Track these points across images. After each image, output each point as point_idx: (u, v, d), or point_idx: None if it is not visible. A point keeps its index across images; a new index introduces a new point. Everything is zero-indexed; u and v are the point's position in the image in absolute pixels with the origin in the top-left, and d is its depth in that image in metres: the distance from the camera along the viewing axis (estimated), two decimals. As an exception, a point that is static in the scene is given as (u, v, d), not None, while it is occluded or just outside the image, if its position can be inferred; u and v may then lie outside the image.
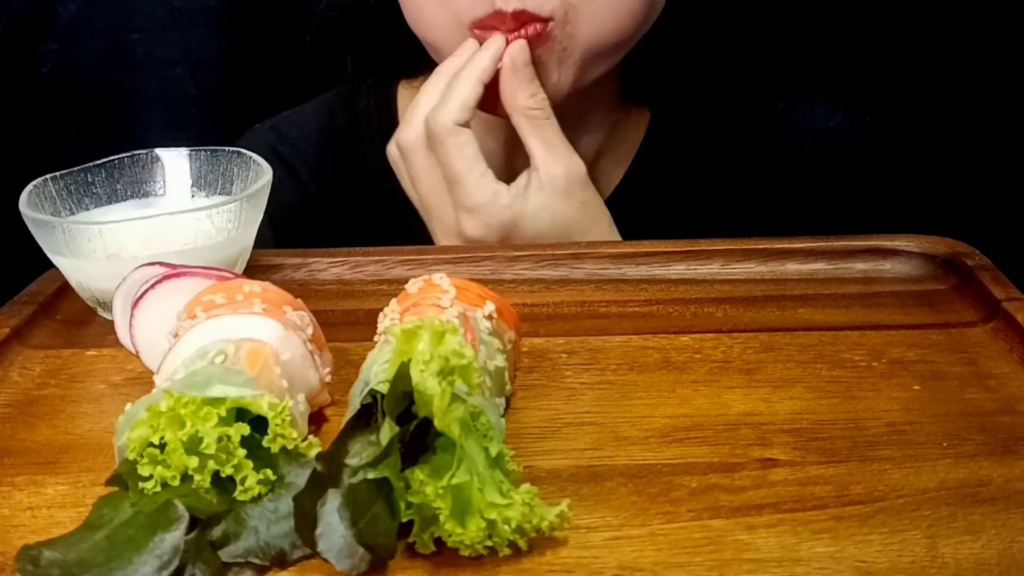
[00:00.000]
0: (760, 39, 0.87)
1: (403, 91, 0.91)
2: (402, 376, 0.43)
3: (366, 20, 0.86)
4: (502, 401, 0.52)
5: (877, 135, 0.90)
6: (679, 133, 0.88)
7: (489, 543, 0.42)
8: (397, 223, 0.83)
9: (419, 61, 0.82)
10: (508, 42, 0.73)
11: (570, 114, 0.81)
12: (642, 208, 0.86)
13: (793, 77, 0.91)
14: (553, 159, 0.74)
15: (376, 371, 0.47)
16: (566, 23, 0.73)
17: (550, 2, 0.71)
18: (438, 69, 0.75)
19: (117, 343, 0.59)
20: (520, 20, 0.71)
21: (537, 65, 0.74)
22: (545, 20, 0.72)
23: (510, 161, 0.85)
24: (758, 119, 0.89)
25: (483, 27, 0.72)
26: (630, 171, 0.88)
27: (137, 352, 0.58)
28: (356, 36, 0.88)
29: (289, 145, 0.89)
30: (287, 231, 0.76)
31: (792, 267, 0.72)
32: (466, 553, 0.42)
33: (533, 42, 0.73)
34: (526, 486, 0.43)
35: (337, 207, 0.90)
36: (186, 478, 0.43)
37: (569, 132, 0.83)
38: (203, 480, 0.43)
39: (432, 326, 0.45)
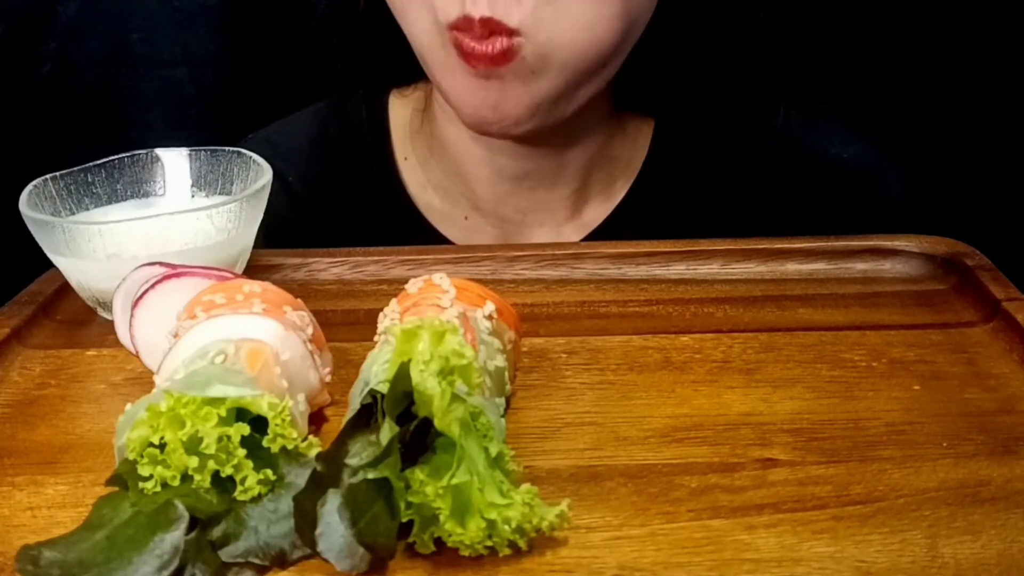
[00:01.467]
0: (759, 45, 0.87)
1: (395, 101, 0.90)
2: (402, 376, 0.43)
3: (358, 28, 0.85)
4: (502, 401, 0.52)
5: (890, 168, 0.90)
6: (687, 147, 0.87)
7: (489, 543, 0.42)
8: (391, 235, 0.82)
9: (411, 70, 0.82)
10: (474, 55, 0.71)
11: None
12: (648, 224, 0.85)
13: (797, 85, 0.90)
14: None
15: (376, 371, 0.47)
16: (537, 36, 0.71)
17: (519, 12, 0.70)
18: None
19: (117, 343, 0.59)
20: (487, 28, 0.70)
21: (504, 86, 0.72)
22: (511, 32, 0.70)
23: (507, 164, 0.84)
24: (769, 137, 0.87)
25: (457, 29, 0.71)
26: (635, 185, 0.87)
27: (137, 352, 0.58)
28: (348, 44, 0.87)
29: (281, 157, 0.88)
30: (281, 243, 0.76)
31: (792, 267, 0.72)
32: (466, 553, 0.42)
33: (498, 61, 0.71)
34: (526, 486, 0.43)
35: (330, 219, 0.90)
36: (186, 478, 0.43)
37: (555, 142, 0.83)
38: (203, 480, 0.43)
39: (432, 326, 0.45)
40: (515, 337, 0.56)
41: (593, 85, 0.76)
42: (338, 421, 0.51)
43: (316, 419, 0.53)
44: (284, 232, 0.78)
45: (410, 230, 0.87)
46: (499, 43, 0.70)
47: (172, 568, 0.41)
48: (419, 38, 0.76)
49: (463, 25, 0.70)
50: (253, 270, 0.71)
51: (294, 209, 0.89)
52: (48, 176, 0.69)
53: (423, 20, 0.73)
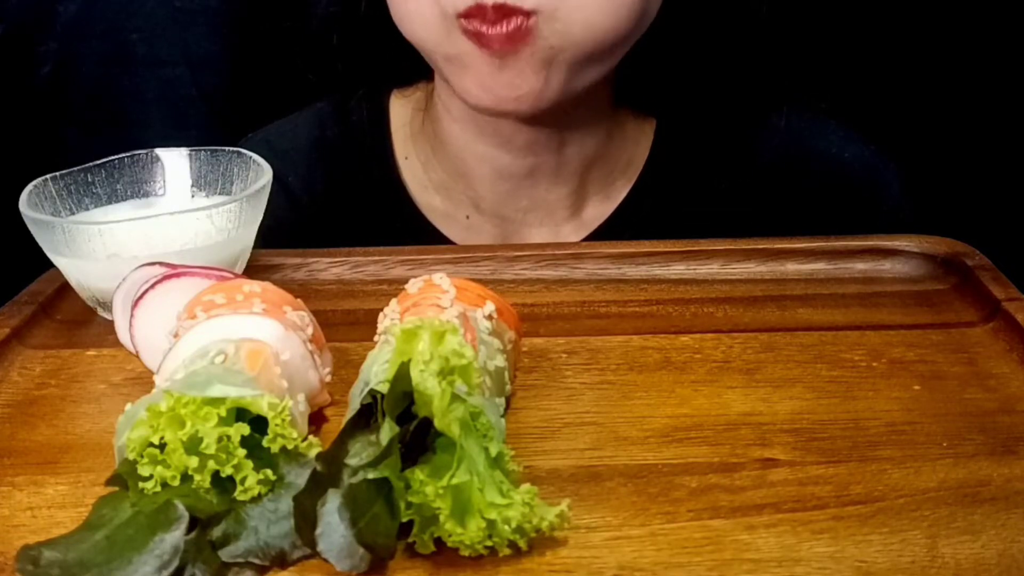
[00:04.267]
0: (760, 45, 0.87)
1: (396, 101, 0.90)
2: (402, 376, 0.43)
3: (358, 28, 0.85)
4: (502, 401, 0.52)
5: (889, 169, 0.90)
6: (688, 148, 0.87)
7: (489, 543, 0.42)
8: (392, 235, 0.82)
9: (412, 70, 0.82)
10: (488, 36, 0.70)
11: (554, 116, 0.80)
12: (649, 224, 0.85)
13: (798, 87, 0.90)
14: None
15: (376, 371, 0.47)
16: (554, 19, 0.70)
17: None
18: None
19: (117, 343, 0.59)
20: (501, 12, 0.69)
21: (521, 64, 0.72)
22: (527, 13, 0.70)
23: (511, 161, 0.84)
24: (769, 139, 0.88)
25: (468, 18, 0.71)
26: (636, 186, 0.87)
27: (137, 352, 0.58)
28: (348, 44, 0.87)
29: (280, 158, 0.88)
30: (280, 245, 0.76)
31: (792, 267, 0.72)
32: (466, 553, 0.42)
33: (515, 38, 0.70)
34: (526, 486, 0.43)
35: (330, 219, 0.90)
36: (186, 478, 0.43)
37: (555, 139, 0.83)
38: (203, 480, 0.43)
39: (432, 326, 0.45)
40: (515, 337, 0.56)
41: (603, 66, 0.76)
42: (338, 421, 0.51)
43: (316, 419, 0.53)
44: (283, 233, 0.78)
45: (410, 230, 0.87)
46: (515, 22, 0.70)
47: (172, 568, 0.41)
48: (422, 32, 0.75)
49: (475, 12, 0.70)
50: (253, 270, 0.71)
51: (293, 210, 0.89)
52: (48, 176, 0.69)
53: (426, 14, 0.73)
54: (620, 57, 0.77)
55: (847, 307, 0.66)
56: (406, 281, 0.55)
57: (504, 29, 0.70)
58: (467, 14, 0.70)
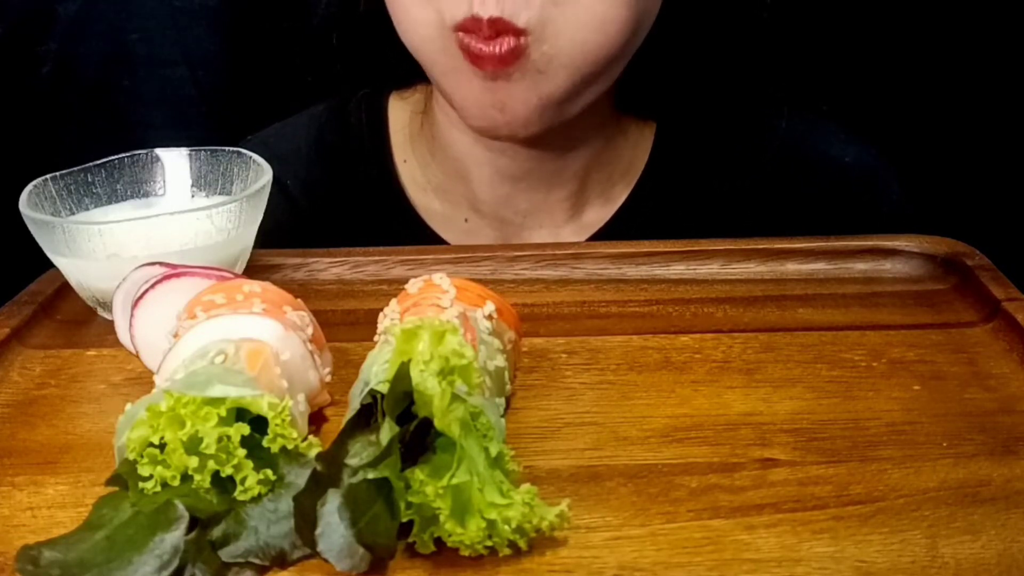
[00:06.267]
0: (760, 48, 0.87)
1: (394, 103, 0.90)
2: (402, 376, 0.43)
3: (357, 30, 0.85)
4: (502, 401, 0.52)
5: (890, 170, 0.90)
6: (688, 151, 0.87)
7: (489, 543, 0.42)
8: (390, 238, 0.82)
9: (411, 72, 0.82)
10: (482, 57, 0.71)
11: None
12: (649, 227, 0.85)
13: (798, 89, 0.90)
14: None
15: (376, 371, 0.48)
16: (543, 41, 0.71)
17: (527, 12, 0.70)
18: None
19: (117, 343, 0.59)
20: (495, 28, 0.70)
21: (511, 84, 0.72)
22: (519, 32, 0.70)
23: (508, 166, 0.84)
24: (770, 141, 0.88)
25: (464, 31, 0.72)
26: (636, 189, 0.87)
27: (137, 352, 0.58)
28: (347, 44, 0.87)
29: (279, 160, 0.88)
30: (279, 247, 0.76)
31: (792, 267, 0.72)
32: (466, 553, 0.42)
33: (507, 60, 0.71)
34: (526, 486, 0.43)
35: (329, 222, 0.90)
36: (186, 478, 0.43)
37: (556, 143, 0.83)
38: (203, 480, 0.44)
39: (432, 326, 0.45)
40: (515, 337, 0.56)
41: (599, 86, 0.76)
42: (338, 421, 0.51)
43: (316, 419, 0.53)
44: (282, 236, 0.78)
45: (409, 233, 0.87)
46: (506, 43, 0.71)
47: (172, 568, 0.41)
48: (421, 43, 0.76)
49: (470, 26, 0.70)
50: (253, 270, 0.71)
51: (292, 213, 0.89)
52: (48, 176, 0.69)
53: (426, 24, 0.73)
54: (615, 77, 0.77)
55: (847, 307, 0.66)
56: (406, 281, 0.55)
57: (497, 50, 0.71)
58: (463, 27, 0.71)
